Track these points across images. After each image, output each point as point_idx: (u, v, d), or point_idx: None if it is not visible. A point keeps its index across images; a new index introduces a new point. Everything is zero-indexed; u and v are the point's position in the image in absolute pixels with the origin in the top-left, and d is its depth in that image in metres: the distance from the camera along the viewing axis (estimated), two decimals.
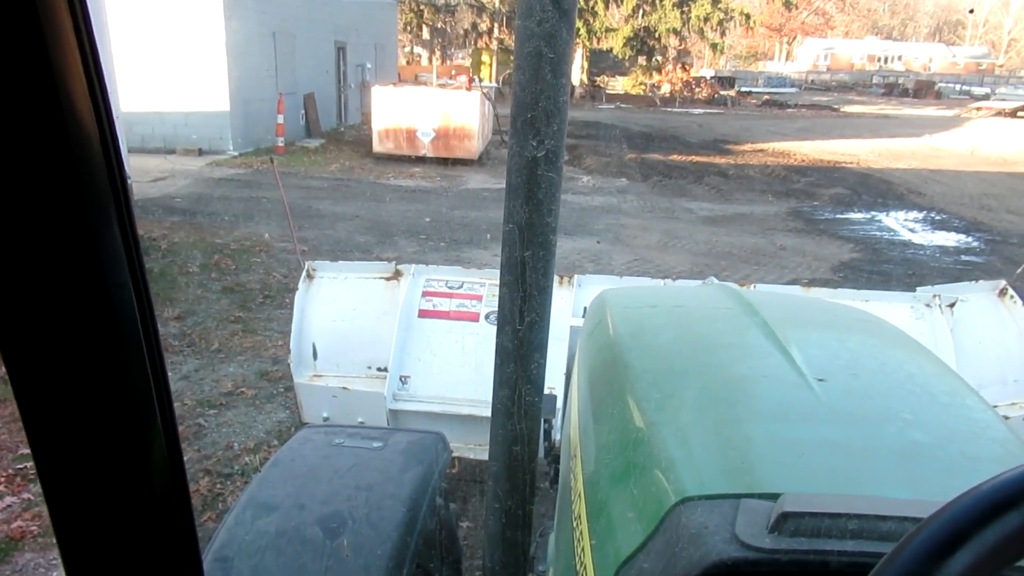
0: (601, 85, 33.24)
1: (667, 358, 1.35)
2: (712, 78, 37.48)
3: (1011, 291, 3.33)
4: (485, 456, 1.51)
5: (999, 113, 30.70)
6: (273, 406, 4.27)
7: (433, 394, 3.28)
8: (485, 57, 29.33)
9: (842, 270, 7.76)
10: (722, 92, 34.08)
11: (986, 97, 38.75)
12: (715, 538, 0.77)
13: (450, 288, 3.44)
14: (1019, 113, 30.38)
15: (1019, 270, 3.81)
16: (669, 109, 29.08)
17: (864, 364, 1.31)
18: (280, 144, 13.77)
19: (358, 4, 18.96)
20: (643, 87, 33.02)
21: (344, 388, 3.26)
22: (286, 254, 7.26)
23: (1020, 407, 3.19)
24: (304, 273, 3.37)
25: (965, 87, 46.02)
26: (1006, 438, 1.05)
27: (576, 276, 3.45)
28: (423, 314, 3.37)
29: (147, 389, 0.52)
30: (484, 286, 3.38)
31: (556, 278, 3.44)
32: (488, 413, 1.41)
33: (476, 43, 32.14)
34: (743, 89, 38.13)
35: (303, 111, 15.86)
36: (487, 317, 3.32)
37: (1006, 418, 3.10)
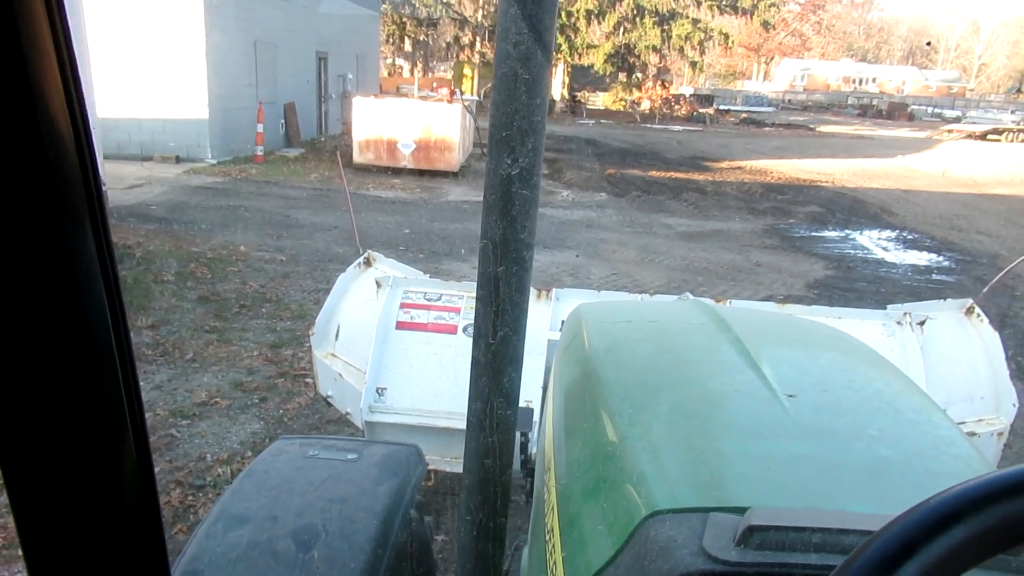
0: (582, 100, 33.52)
1: (640, 373, 1.36)
2: (691, 96, 37.98)
3: (978, 310, 3.40)
4: (461, 469, 1.51)
5: (970, 136, 31.41)
6: (247, 417, 4.23)
7: (410, 406, 3.27)
8: (467, 70, 29.47)
9: (816, 287, 7.87)
10: (701, 110, 34.53)
11: (957, 120, 39.60)
12: (683, 551, 0.78)
13: (428, 300, 3.44)
14: (989, 136, 31.12)
15: (985, 289, 3.90)
16: (649, 126, 29.37)
17: (834, 381, 1.33)
18: (259, 153, 13.71)
19: (340, 15, 18.97)
20: (623, 103, 33.34)
21: (339, 374, 3.30)
22: (263, 263, 7.20)
23: (987, 423, 3.25)
24: (361, 259, 3.47)
25: (937, 110, 47.02)
26: (969, 455, 1.08)
27: (554, 290, 3.46)
28: (400, 326, 3.37)
29: (119, 399, 0.52)
30: (463, 298, 3.39)
31: (534, 292, 3.46)
32: (464, 426, 1.42)
33: (458, 56, 32.28)
34: (721, 107, 38.65)
35: (283, 120, 15.81)
36: (465, 329, 3.33)
37: (974, 435, 3.16)
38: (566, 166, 15.63)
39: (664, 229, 10.41)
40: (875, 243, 10.45)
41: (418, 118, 13.11)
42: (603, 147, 20.25)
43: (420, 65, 36.68)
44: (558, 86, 32.22)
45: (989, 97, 62.93)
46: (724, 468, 0.99)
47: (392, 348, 3.33)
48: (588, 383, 1.36)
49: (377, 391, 3.27)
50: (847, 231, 11.16)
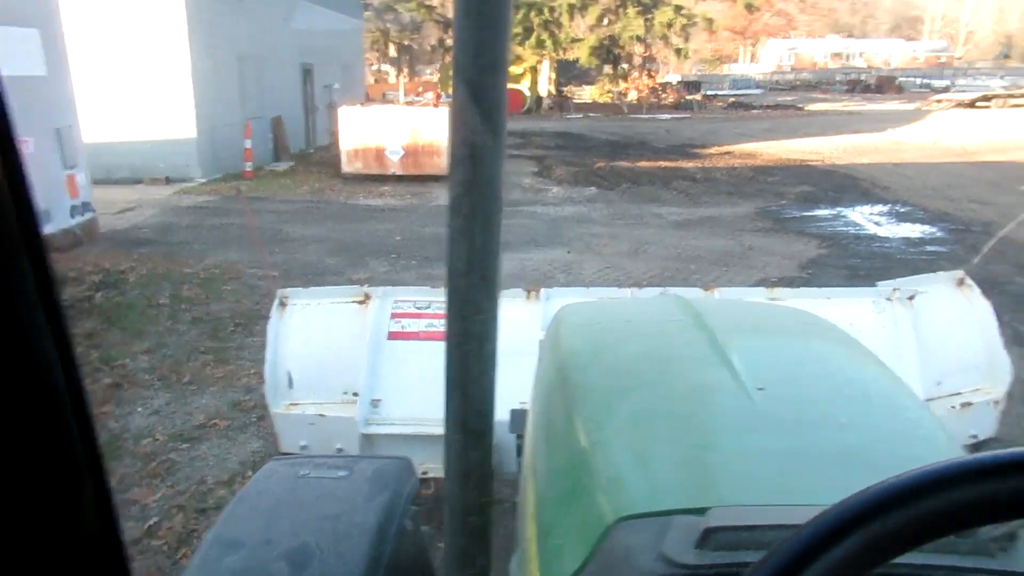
0: (569, 95, 33.50)
1: (611, 375, 1.36)
2: (678, 83, 37.97)
3: (969, 280, 3.40)
4: None
5: (959, 104, 31.38)
6: (246, 436, 4.23)
7: (405, 416, 3.27)
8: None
9: (810, 267, 7.86)
10: (688, 97, 34.51)
11: (946, 89, 39.55)
12: (643, 557, 0.79)
13: (419, 308, 3.44)
14: (978, 103, 31.09)
15: (977, 258, 3.90)
16: (637, 116, 29.34)
17: (804, 370, 1.34)
18: (248, 169, 13.70)
19: (324, 27, 18.97)
20: (610, 95, 33.34)
21: (321, 415, 3.23)
22: (256, 280, 7.21)
23: (984, 392, 3.25)
24: (276, 301, 3.35)
25: (926, 80, 47.00)
26: (935, 436, 1.08)
27: (543, 290, 3.46)
28: (393, 336, 3.37)
29: (71, 443, 0.51)
30: None
31: (523, 293, 3.46)
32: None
33: (443, 58, 32.24)
34: (709, 93, 38.63)
35: (271, 134, 15.80)
36: None
37: (970, 405, 3.16)
38: (555, 163, 15.62)
39: (655, 219, 10.41)
40: (867, 219, 10.44)
41: (404, 124, 13.12)
42: (592, 141, 20.23)
43: (406, 69, 36.67)
44: (544, 83, 32.18)
45: (977, 64, 62.81)
46: (690, 468, 1.00)
47: (385, 359, 3.32)
48: (562, 387, 1.37)
49: (372, 403, 3.27)
50: (839, 208, 11.15)
